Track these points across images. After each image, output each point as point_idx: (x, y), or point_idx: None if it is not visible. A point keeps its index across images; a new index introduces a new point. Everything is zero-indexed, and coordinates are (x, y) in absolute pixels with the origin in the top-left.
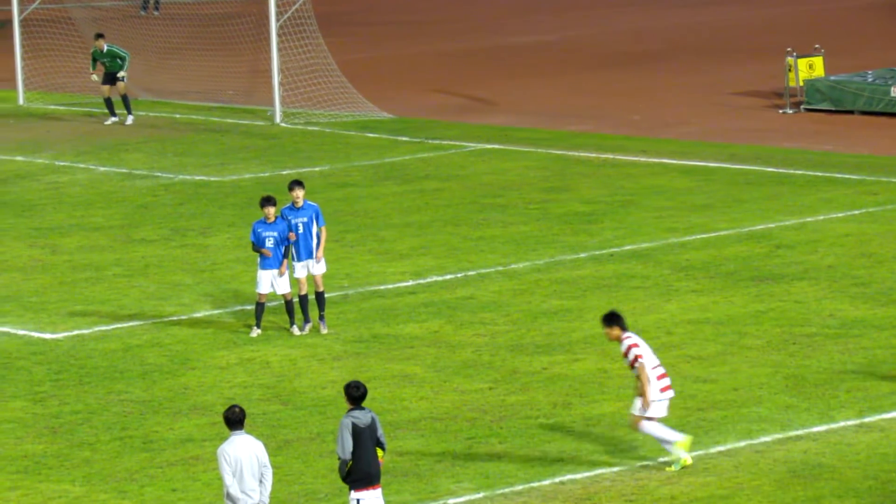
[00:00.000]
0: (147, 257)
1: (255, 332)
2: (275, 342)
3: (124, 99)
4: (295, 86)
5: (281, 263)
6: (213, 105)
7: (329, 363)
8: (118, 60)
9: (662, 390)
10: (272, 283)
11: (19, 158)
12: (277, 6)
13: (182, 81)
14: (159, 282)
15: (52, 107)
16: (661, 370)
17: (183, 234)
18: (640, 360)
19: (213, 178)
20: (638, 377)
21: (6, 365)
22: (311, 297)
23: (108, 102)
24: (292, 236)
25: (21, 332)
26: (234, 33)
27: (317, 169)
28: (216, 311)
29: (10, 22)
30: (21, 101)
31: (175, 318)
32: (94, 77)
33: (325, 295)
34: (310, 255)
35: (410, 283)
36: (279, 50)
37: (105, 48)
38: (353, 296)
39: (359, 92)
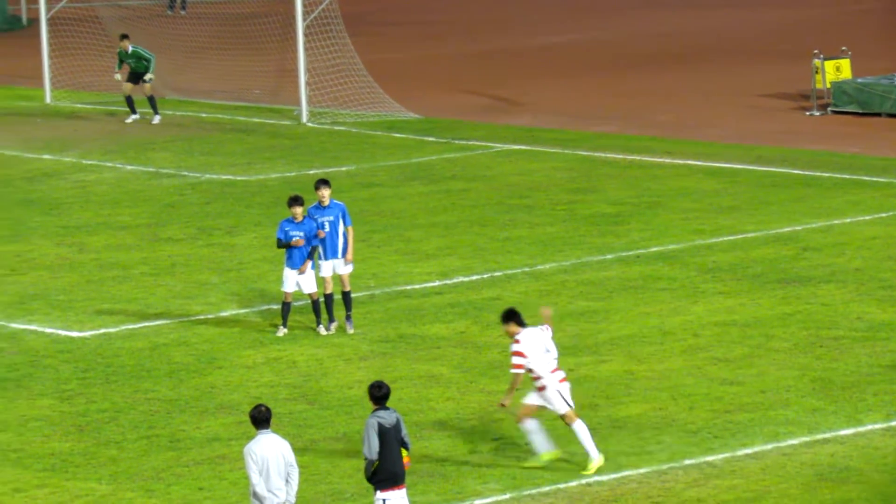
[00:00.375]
0: (174, 256)
1: (282, 332)
2: (301, 342)
3: (150, 99)
4: (321, 85)
5: (304, 262)
6: (239, 104)
7: (355, 363)
8: (143, 62)
9: (559, 381)
10: (297, 281)
11: (46, 157)
12: (304, 5)
13: (208, 81)
14: (186, 281)
15: (79, 105)
16: (555, 364)
17: (209, 234)
18: (515, 369)
19: (239, 178)
20: (510, 380)
21: (33, 363)
22: (338, 296)
23: (129, 100)
24: (321, 234)
25: (48, 331)
26: (260, 33)
27: (343, 169)
28: (243, 311)
29: (37, 20)
30: (48, 100)
31: (202, 317)
32: (118, 76)
33: (352, 295)
34: (335, 254)
35: (437, 283)
36: (306, 49)
37: (130, 49)
38: (380, 296)
39: (385, 92)
